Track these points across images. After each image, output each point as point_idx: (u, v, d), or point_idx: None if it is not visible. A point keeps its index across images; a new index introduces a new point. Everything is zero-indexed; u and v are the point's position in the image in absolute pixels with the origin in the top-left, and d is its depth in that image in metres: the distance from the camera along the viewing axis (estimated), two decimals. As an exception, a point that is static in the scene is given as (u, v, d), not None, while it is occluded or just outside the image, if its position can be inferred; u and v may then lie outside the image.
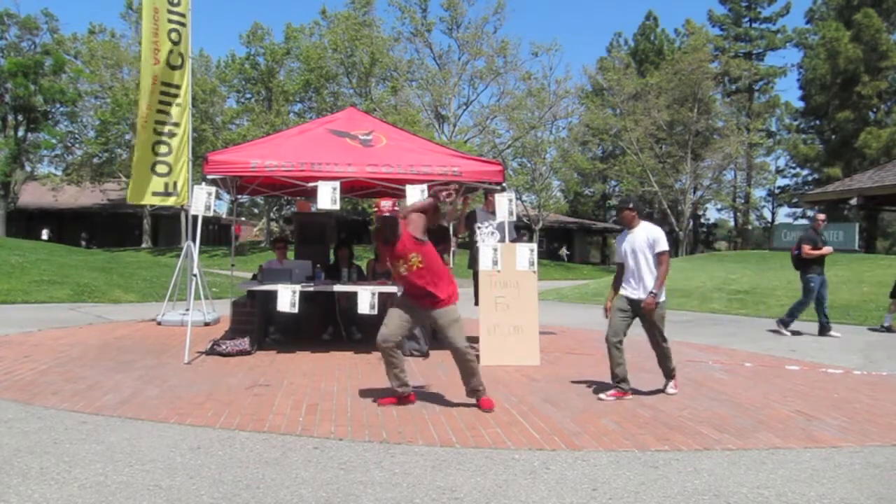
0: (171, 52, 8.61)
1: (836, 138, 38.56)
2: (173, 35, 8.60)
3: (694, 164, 37.17)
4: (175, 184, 8.90)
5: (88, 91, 37.08)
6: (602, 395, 5.18)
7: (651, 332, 5.23)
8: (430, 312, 4.63)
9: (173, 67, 8.70)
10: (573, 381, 5.76)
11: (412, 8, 35.38)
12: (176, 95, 8.80)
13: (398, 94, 34.02)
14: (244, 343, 6.74)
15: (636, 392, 5.33)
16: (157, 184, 8.81)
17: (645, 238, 5.11)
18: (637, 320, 5.27)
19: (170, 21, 8.54)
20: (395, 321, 4.63)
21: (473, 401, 4.73)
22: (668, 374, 5.41)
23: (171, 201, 8.95)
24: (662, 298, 5.14)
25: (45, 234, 35.05)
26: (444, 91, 34.49)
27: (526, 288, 6.74)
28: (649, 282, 5.07)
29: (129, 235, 38.90)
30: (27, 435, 3.83)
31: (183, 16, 8.70)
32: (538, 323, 6.78)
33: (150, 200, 9.01)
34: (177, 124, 8.86)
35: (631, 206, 5.21)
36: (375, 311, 6.81)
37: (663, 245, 5.06)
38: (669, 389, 5.35)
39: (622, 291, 5.26)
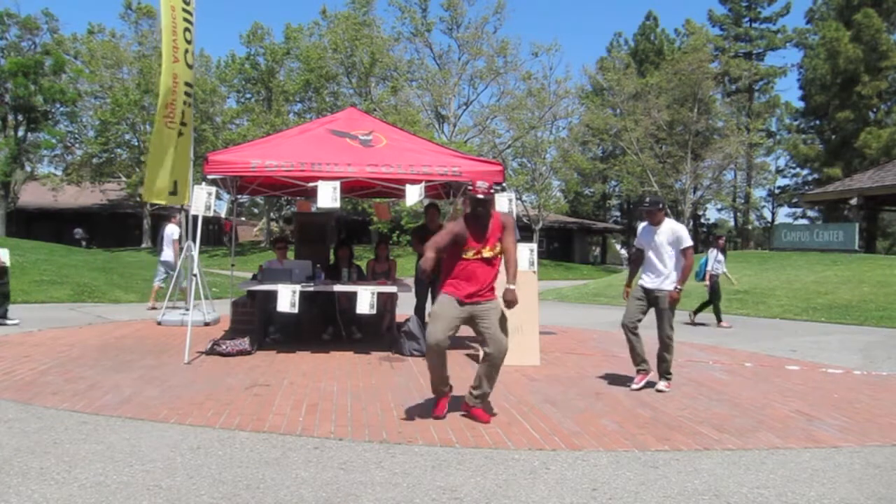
0: (186, 51, 8.61)
1: (836, 138, 38.57)
2: (187, 34, 8.59)
3: (694, 164, 37.16)
4: (178, 183, 8.86)
5: (88, 91, 37.12)
6: (633, 385, 5.49)
7: (661, 322, 5.45)
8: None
9: (189, 66, 8.70)
10: (573, 381, 5.76)
11: (412, 8, 35.42)
12: (192, 95, 8.82)
13: (398, 94, 34.04)
14: (244, 343, 6.74)
15: (632, 390, 5.33)
16: (170, 183, 8.76)
17: (670, 233, 5.43)
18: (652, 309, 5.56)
19: (185, 20, 8.52)
20: None
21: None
22: (664, 371, 5.52)
23: (173, 200, 8.91)
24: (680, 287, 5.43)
25: (78, 234, 34.75)
26: (444, 91, 34.50)
27: (526, 288, 6.74)
28: (665, 273, 5.41)
29: (129, 235, 38.90)
30: (27, 435, 3.83)
31: (192, 14, 8.69)
32: (538, 323, 6.78)
33: (166, 200, 8.90)
34: (185, 124, 8.85)
35: (661, 205, 5.68)
36: (375, 311, 6.81)
37: (688, 241, 5.42)
38: (660, 386, 5.45)
39: (641, 281, 5.57)
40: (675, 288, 5.39)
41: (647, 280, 5.54)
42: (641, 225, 5.79)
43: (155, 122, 8.54)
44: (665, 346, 5.45)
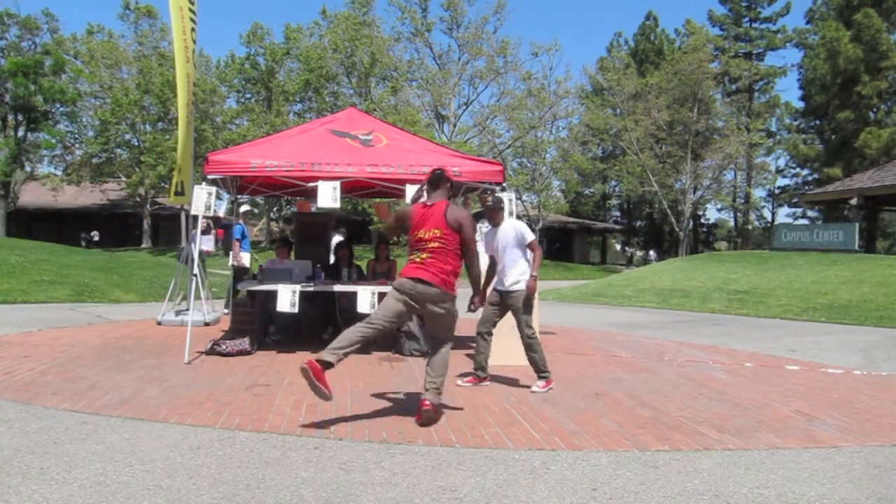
0: (193, 51, 8.61)
1: (836, 138, 38.56)
2: (193, 34, 8.59)
3: (694, 164, 37.19)
4: (182, 183, 8.85)
5: (88, 91, 37.11)
6: (459, 381, 5.48)
7: (518, 323, 5.39)
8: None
9: (195, 66, 8.69)
10: (573, 381, 5.76)
11: (412, 8, 35.45)
12: (195, 94, 8.80)
13: (398, 94, 34.05)
14: (244, 343, 6.74)
15: (636, 395, 5.33)
16: (176, 184, 8.76)
17: (513, 233, 5.39)
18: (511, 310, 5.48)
19: (191, 20, 8.52)
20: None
21: (474, 401, 4.71)
22: (537, 370, 5.40)
23: (180, 200, 8.90)
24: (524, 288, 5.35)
25: (96, 235, 34.86)
26: (444, 91, 34.51)
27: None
28: (515, 275, 5.34)
29: (130, 235, 38.90)
30: (27, 435, 3.83)
31: (195, 14, 8.68)
32: (538, 323, 6.77)
33: (175, 200, 8.92)
34: (189, 123, 8.84)
35: (502, 205, 5.59)
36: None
37: (531, 235, 5.42)
38: (534, 387, 5.33)
39: (494, 285, 5.50)
40: (531, 276, 5.34)
41: (499, 284, 5.46)
42: (485, 229, 5.72)
43: (182, 124, 8.45)
44: (527, 345, 5.38)
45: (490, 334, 5.54)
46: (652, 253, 43.87)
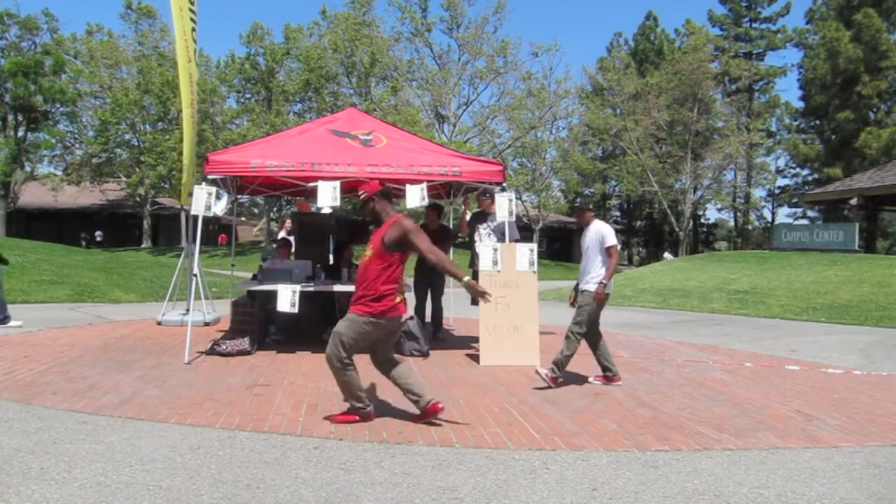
0: (194, 51, 8.62)
1: (836, 138, 38.55)
2: (194, 34, 8.59)
3: (694, 164, 37.15)
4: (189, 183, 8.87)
5: (88, 91, 37.12)
6: (591, 379, 5.71)
7: (574, 316, 5.54)
8: None
9: (197, 65, 8.70)
10: (573, 382, 5.76)
11: (412, 8, 35.41)
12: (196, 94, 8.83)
13: (398, 94, 34.03)
14: (244, 343, 6.74)
15: (634, 392, 5.33)
16: (186, 184, 8.78)
17: (596, 234, 5.54)
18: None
19: (191, 20, 8.52)
20: None
21: (474, 401, 4.71)
22: (554, 360, 5.50)
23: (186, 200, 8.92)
24: (608, 291, 5.49)
25: (99, 236, 34.91)
26: (444, 91, 34.51)
27: (526, 288, 6.75)
28: (590, 275, 5.50)
29: (129, 235, 38.92)
30: (27, 435, 3.83)
31: (195, 14, 8.69)
32: (538, 323, 6.78)
33: (186, 201, 8.94)
34: (193, 124, 8.84)
35: (590, 206, 5.95)
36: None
37: (612, 240, 5.50)
38: (539, 369, 5.52)
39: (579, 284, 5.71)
40: (601, 283, 5.41)
41: (580, 280, 5.66)
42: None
43: (186, 123, 8.44)
44: (567, 338, 5.50)
45: (598, 335, 5.70)
46: (668, 255, 43.60)
